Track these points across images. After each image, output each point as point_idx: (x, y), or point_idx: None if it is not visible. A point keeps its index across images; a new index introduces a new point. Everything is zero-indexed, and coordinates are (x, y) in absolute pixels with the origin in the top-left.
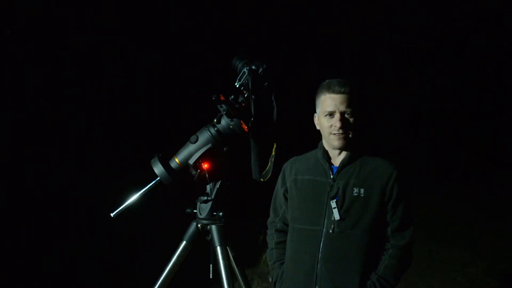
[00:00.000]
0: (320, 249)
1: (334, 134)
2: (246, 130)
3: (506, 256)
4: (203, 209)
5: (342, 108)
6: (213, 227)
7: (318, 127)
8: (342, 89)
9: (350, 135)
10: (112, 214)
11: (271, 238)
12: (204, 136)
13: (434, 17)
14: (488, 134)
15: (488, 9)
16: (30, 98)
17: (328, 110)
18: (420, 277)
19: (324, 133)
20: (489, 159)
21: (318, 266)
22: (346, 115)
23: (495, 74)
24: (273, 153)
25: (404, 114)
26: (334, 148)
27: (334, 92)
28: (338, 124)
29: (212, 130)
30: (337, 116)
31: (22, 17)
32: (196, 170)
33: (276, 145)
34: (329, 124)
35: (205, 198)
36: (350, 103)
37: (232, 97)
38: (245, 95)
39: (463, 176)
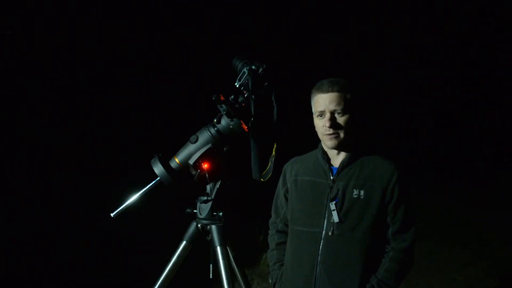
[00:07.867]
0: (320, 252)
1: (327, 134)
2: (246, 130)
3: (507, 256)
4: (203, 209)
5: (332, 107)
6: (213, 227)
7: (316, 129)
8: (331, 88)
9: (342, 135)
10: (112, 214)
11: (272, 239)
12: (204, 136)
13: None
14: (490, 133)
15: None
16: (30, 98)
17: (318, 110)
18: (420, 277)
19: (319, 134)
20: (490, 159)
21: (317, 268)
22: (336, 114)
23: (496, 72)
24: (273, 153)
25: (404, 112)
26: (329, 148)
27: (323, 91)
28: (327, 124)
29: (212, 130)
30: (327, 115)
31: (22, 17)
32: (196, 170)
33: (276, 145)
34: (321, 124)
35: (205, 198)
36: (340, 101)
37: (232, 97)
38: (245, 95)
39: (463, 176)
